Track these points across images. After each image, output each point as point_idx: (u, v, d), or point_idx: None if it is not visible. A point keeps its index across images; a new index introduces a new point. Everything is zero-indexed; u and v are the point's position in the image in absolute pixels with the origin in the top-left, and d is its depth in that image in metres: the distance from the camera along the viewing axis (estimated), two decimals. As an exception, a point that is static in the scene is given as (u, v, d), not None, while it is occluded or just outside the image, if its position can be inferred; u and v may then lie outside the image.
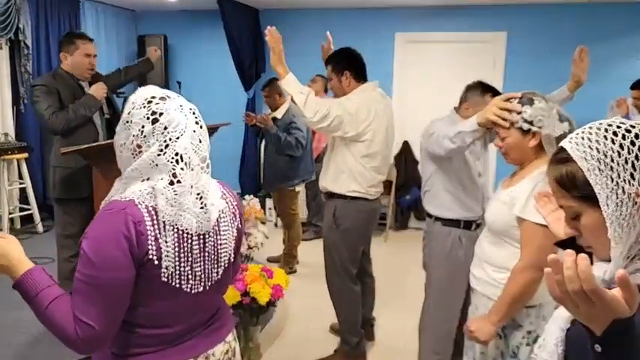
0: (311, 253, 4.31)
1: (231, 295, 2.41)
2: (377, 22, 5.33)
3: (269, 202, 5.19)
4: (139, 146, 1.08)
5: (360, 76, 2.59)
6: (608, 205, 0.77)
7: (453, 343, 2.37)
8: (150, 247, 1.03)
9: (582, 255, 0.63)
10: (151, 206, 1.05)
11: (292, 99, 2.40)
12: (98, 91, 2.85)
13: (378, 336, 3.06)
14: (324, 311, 3.10)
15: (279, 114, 3.92)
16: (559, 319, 0.87)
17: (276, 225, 5.24)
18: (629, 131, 0.77)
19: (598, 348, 0.66)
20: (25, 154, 4.61)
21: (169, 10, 5.98)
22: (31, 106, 2.94)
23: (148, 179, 1.08)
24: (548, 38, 4.95)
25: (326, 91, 4.57)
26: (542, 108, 1.57)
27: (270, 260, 4.23)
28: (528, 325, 1.63)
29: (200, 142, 1.11)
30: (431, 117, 2.31)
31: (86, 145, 2.51)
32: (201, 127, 1.13)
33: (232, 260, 1.23)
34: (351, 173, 2.53)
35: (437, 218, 2.26)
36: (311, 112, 2.37)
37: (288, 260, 4.13)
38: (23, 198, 4.84)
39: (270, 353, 2.90)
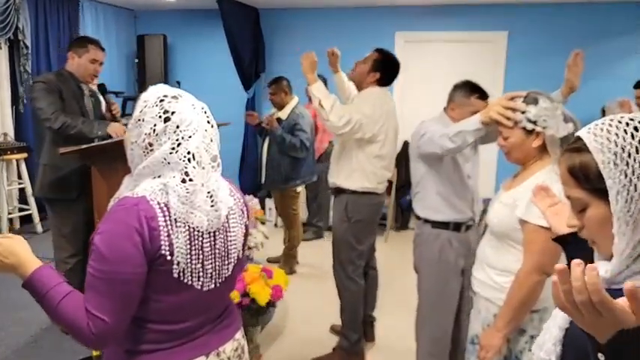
0: (311, 253, 4.30)
1: (231, 296, 2.39)
2: (377, 21, 5.32)
3: (269, 202, 5.19)
4: (151, 144, 1.09)
5: (384, 84, 2.67)
6: (617, 200, 0.75)
7: (449, 344, 2.37)
8: (162, 242, 1.04)
9: (591, 265, 0.62)
10: (163, 203, 1.06)
11: (320, 103, 2.48)
12: (117, 130, 2.77)
13: (377, 336, 3.06)
14: (323, 312, 3.10)
15: (283, 114, 3.92)
16: (558, 317, 0.87)
17: (276, 225, 5.24)
18: None
19: (601, 357, 0.65)
20: (25, 154, 4.60)
21: (169, 10, 5.97)
22: (30, 102, 2.91)
23: (159, 177, 1.09)
24: (549, 37, 4.95)
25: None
26: (547, 108, 1.55)
27: (270, 260, 4.23)
28: (532, 330, 1.61)
29: (211, 141, 1.13)
30: (432, 117, 2.29)
31: (85, 145, 2.49)
32: (212, 126, 1.14)
33: (240, 256, 1.25)
34: (364, 172, 2.61)
35: (426, 220, 2.24)
36: (336, 117, 2.46)
37: (288, 260, 4.13)
38: (22, 198, 4.83)
39: (269, 354, 2.89)
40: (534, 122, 1.56)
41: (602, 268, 0.82)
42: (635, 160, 0.74)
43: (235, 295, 2.43)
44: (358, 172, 2.61)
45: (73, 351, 2.61)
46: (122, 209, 1.05)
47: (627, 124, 0.77)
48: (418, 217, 2.29)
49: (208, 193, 1.10)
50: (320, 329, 3.18)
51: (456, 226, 2.20)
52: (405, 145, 5.40)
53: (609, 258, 0.80)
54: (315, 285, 3.57)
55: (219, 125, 1.18)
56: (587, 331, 0.66)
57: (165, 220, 1.05)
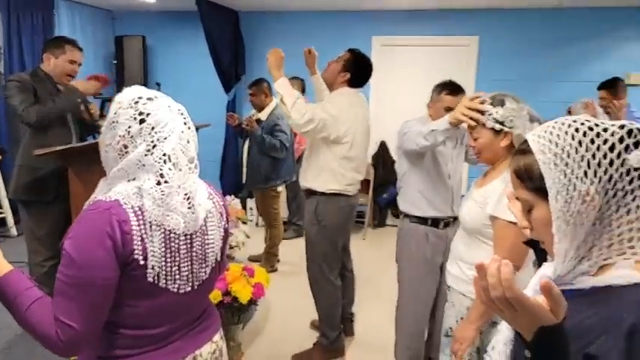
0: (292, 251, 4.34)
1: (213, 295, 2.41)
2: (354, 26, 5.40)
3: (250, 202, 5.21)
4: (126, 146, 1.07)
5: (356, 85, 2.63)
6: (557, 199, 0.76)
7: (424, 337, 2.46)
8: (135, 247, 1.02)
9: (505, 261, 0.63)
10: (137, 206, 1.04)
11: (282, 99, 2.45)
12: (87, 87, 2.74)
13: (356, 331, 3.11)
14: (304, 308, 3.14)
15: (263, 116, 3.95)
16: None
17: (257, 224, 5.27)
18: (591, 129, 0.75)
19: (527, 354, 0.66)
20: (-2, 156, 4.52)
21: (148, 11, 5.93)
22: (5, 102, 2.86)
23: (134, 179, 1.07)
24: (518, 41, 5.10)
25: (304, 92, 4.62)
26: (514, 109, 1.61)
27: (251, 259, 4.26)
28: (503, 322, 1.68)
29: (188, 142, 1.11)
30: (407, 118, 2.38)
31: (62, 147, 2.45)
32: (189, 127, 1.12)
33: (219, 260, 1.23)
34: (332, 173, 2.59)
35: (406, 215, 2.34)
36: (298, 115, 2.42)
37: (269, 259, 4.16)
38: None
39: (251, 351, 2.92)
40: (502, 123, 1.62)
41: (550, 270, 0.84)
42: (574, 160, 0.75)
43: (217, 294, 2.45)
44: (326, 173, 2.59)
45: (46, 357, 2.59)
46: (94, 213, 1.02)
47: (569, 125, 0.77)
48: (400, 211, 2.39)
49: (185, 195, 1.08)
50: (301, 325, 3.22)
51: (434, 222, 2.28)
52: (382, 145, 5.49)
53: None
54: (296, 282, 3.61)
55: (198, 127, 1.19)
56: (514, 328, 0.68)
57: (139, 224, 1.03)
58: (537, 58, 5.08)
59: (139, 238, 1.03)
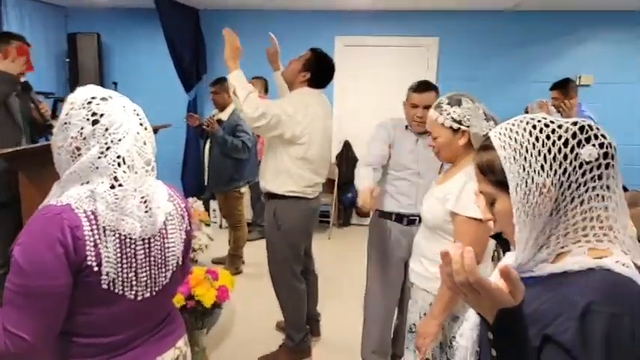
0: (256, 253, 4.29)
1: (175, 299, 2.36)
2: (317, 25, 5.41)
3: (213, 204, 5.13)
4: (78, 148, 1.04)
5: (317, 85, 2.58)
6: (517, 192, 0.81)
7: (390, 333, 2.50)
8: (88, 253, 0.99)
9: (468, 248, 0.68)
10: (90, 210, 1.01)
11: (234, 92, 2.38)
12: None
13: (323, 331, 3.12)
14: (270, 310, 3.12)
15: (224, 116, 3.90)
16: None
17: (220, 226, 5.20)
18: (547, 126, 0.81)
19: (490, 335, 0.71)
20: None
21: (103, 8, 5.74)
22: None
23: (87, 182, 1.04)
24: (477, 43, 5.24)
25: (267, 91, 4.59)
26: (470, 108, 1.66)
27: (214, 262, 4.20)
28: (464, 316, 1.72)
29: (144, 144, 1.08)
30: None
31: (11, 149, 2.34)
32: (145, 128, 1.10)
33: (181, 263, 1.21)
34: (289, 174, 2.54)
35: (376, 210, 2.43)
36: (250, 108, 2.35)
37: (233, 261, 4.11)
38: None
39: (216, 355, 2.88)
40: (459, 122, 1.66)
41: (512, 258, 0.88)
42: (532, 155, 0.80)
43: (180, 299, 2.40)
44: (284, 175, 2.54)
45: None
46: (44, 218, 0.99)
47: (527, 123, 0.83)
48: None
49: (142, 198, 1.06)
50: (267, 327, 3.19)
51: (398, 218, 2.35)
52: (346, 145, 5.53)
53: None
54: (261, 284, 3.58)
55: (158, 128, 1.17)
56: (477, 312, 0.72)
57: (92, 229, 1.00)
58: (495, 60, 5.24)
59: (92, 244, 1.00)
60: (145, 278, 1.09)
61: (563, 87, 4.00)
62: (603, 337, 0.70)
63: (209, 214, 4.79)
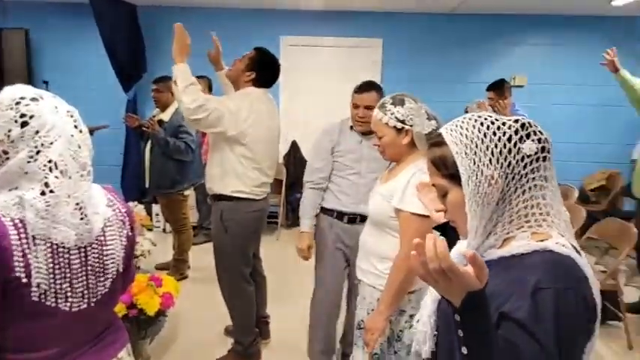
0: (203, 257, 4.20)
1: (117, 308, 2.26)
2: (262, 25, 5.36)
3: (156, 208, 4.96)
4: (6, 152, 0.98)
5: (262, 85, 2.56)
6: (469, 184, 0.88)
7: (335, 330, 2.52)
8: (16, 263, 0.94)
9: (440, 237, 0.72)
10: (18, 218, 0.95)
11: (175, 81, 2.32)
12: None
13: (272, 334, 3.09)
14: (217, 314, 3.06)
15: (166, 116, 3.78)
16: (432, 292, 0.97)
17: (164, 231, 5.06)
18: (493, 123, 0.89)
19: (457, 317, 0.75)
20: None
21: (32, 2, 5.40)
22: None
23: (16, 188, 0.98)
24: (419, 44, 5.40)
25: (210, 90, 4.50)
26: (412, 108, 1.72)
27: (158, 268, 4.07)
28: (410, 310, 1.75)
29: (79, 147, 1.03)
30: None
31: None
32: (80, 131, 1.05)
33: (122, 271, 1.17)
34: (236, 174, 2.50)
35: (320, 207, 2.50)
36: (189, 99, 2.29)
37: (178, 266, 4.00)
38: None
39: (162, 365, 2.79)
40: (402, 121, 1.71)
41: (463, 246, 0.94)
42: (481, 150, 0.88)
43: (121, 308, 2.31)
44: (231, 175, 2.50)
45: None
46: None
47: (475, 120, 0.91)
48: None
49: (77, 205, 1.01)
50: (215, 333, 3.13)
51: (339, 215, 2.41)
52: (293, 145, 5.52)
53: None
54: (209, 288, 3.52)
55: (94, 129, 1.12)
56: (445, 297, 0.76)
57: (20, 239, 0.95)
58: (436, 61, 5.41)
59: (20, 254, 0.95)
60: (81, 288, 1.05)
61: (498, 88, 4.20)
62: (553, 310, 0.78)
63: (152, 219, 4.67)
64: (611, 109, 5.22)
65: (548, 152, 0.89)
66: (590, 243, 3.80)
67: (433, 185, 0.98)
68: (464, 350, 0.74)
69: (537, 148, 0.88)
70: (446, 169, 0.92)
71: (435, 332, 0.96)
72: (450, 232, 1.23)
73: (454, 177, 0.91)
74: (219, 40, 2.77)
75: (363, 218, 2.34)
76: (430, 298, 0.98)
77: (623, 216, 4.19)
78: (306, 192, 2.48)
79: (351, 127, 2.41)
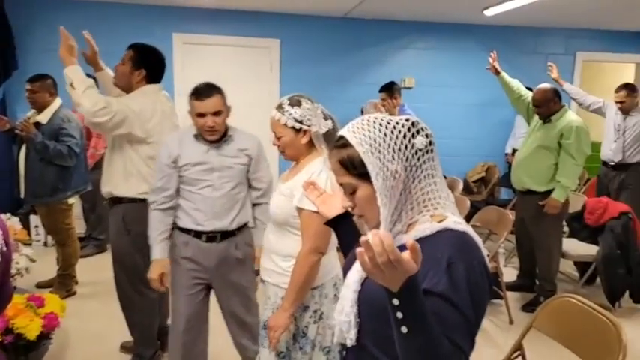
0: (92, 270, 3.91)
1: (-11, 335, 2.02)
2: (153, 21, 5.09)
3: (34, 220, 4.49)
4: None
5: (154, 80, 2.52)
6: (378, 180, 0.97)
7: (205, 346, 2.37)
8: None
9: (385, 233, 0.77)
10: None
11: (72, 84, 2.23)
12: None
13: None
14: (111, 331, 2.87)
15: (44, 118, 3.45)
16: (351, 284, 1.04)
17: (45, 244, 4.61)
18: (389, 123, 0.99)
19: (396, 302, 0.80)
20: None
21: None
22: None
23: None
24: (315, 46, 5.51)
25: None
26: (309, 108, 1.75)
27: (40, 286, 3.70)
28: (314, 305, 1.78)
29: None
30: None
31: None
32: None
33: None
34: (141, 175, 2.44)
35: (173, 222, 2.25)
36: (90, 103, 2.24)
37: (63, 282, 3.66)
38: None
39: (48, 393, 2.53)
40: (300, 121, 1.73)
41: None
42: (383, 147, 0.98)
43: (-7, 335, 2.05)
44: (135, 177, 2.42)
45: None
46: None
47: (374, 122, 1.01)
48: None
49: None
50: (109, 351, 2.90)
51: (197, 234, 2.19)
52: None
53: (377, 227, 0.98)
54: (101, 303, 3.28)
55: None
56: (384, 286, 0.80)
57: None
58: (332, 63, 5.57)
59: None
60: None
61: (389, 89, 4.51)
62: (465, 280, 0.90)
63: (29, 232, 4.26)
64: (489, 108, 5.78)
65: (434, 145, 1.03)
66: (474, 230, 4.17)
67: (341, 185, 1.05)
68: (403, 329, 0.81)
69: (426, 142, 1.00)
70: (354, 168, 1.00)
71: (358, 319, 1.02)
72: (338, 227, 1.34)
73: (362, 175, 0.99)
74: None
75: (225, 234, 2.20)
76: (349, 289, 1.04)
77: (500, 204, 4.68)
78: (152, 214, 2.19)
79: (196, 137, 2.18)
